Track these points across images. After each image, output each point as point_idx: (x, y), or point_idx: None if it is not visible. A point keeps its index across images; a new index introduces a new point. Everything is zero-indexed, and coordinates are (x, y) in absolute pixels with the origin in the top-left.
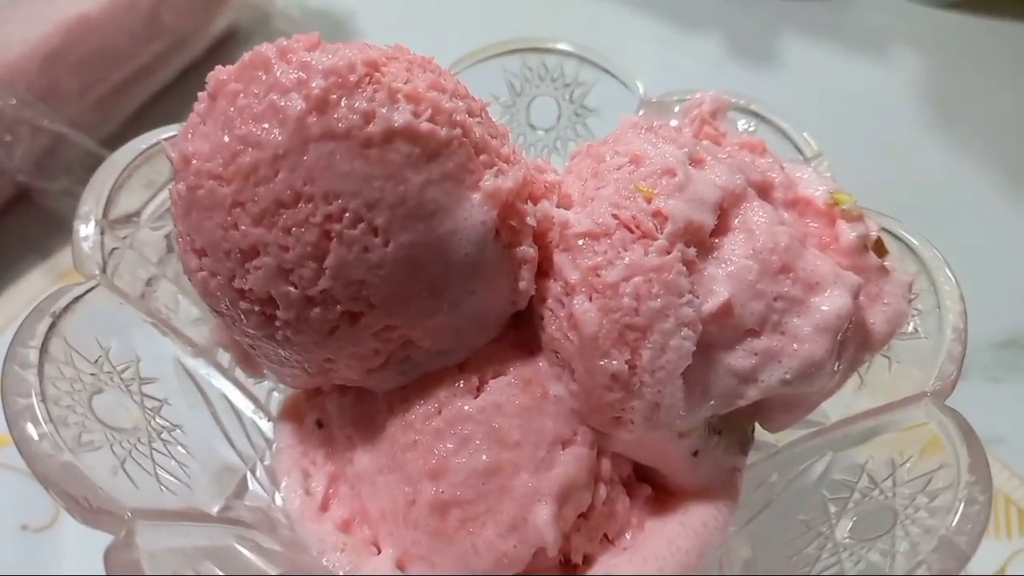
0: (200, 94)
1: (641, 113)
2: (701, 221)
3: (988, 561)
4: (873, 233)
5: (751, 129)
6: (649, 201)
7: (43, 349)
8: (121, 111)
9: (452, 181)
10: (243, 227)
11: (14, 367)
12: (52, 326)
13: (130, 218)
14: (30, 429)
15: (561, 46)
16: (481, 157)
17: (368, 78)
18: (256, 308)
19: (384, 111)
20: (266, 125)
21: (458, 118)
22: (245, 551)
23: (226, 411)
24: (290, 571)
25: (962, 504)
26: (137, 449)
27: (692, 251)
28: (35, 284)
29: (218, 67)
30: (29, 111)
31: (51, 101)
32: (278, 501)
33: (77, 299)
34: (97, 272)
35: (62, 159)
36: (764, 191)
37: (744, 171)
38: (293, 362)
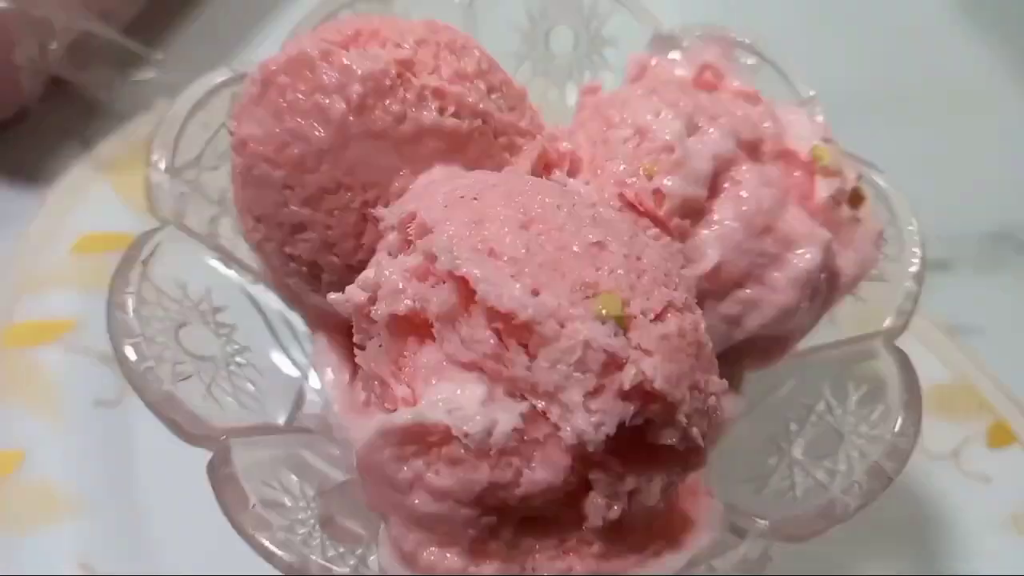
0: (251, 76)
1: (650, 48)
2: (695, 195)
3: (942, 442)
4: (850, 184)
5: (753, 63)
6: (650, 178)
7: (137, 294)
8: None
9: (474, 167)
10: (293, 207)
11: (118, 314)
12: (142, 274)
13: (192, 164)
14: (140, 366)
15: None
16: (500, 140)
17: (400, 78)
18: (304, 269)
19: (414, 112)
20: (312, 122)
21: (480, 107)
22: (311, 456)
23: (281, 326)
24: (347, 471)
25: (891, 436)
26: (219, 374)
27: (687, 222)
28: (80, 175)
29: (267, 59)
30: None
31: None
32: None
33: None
34: (172, 218)
35: (92, 50)
36: (754, 147)
37: (737, 131)
38: None
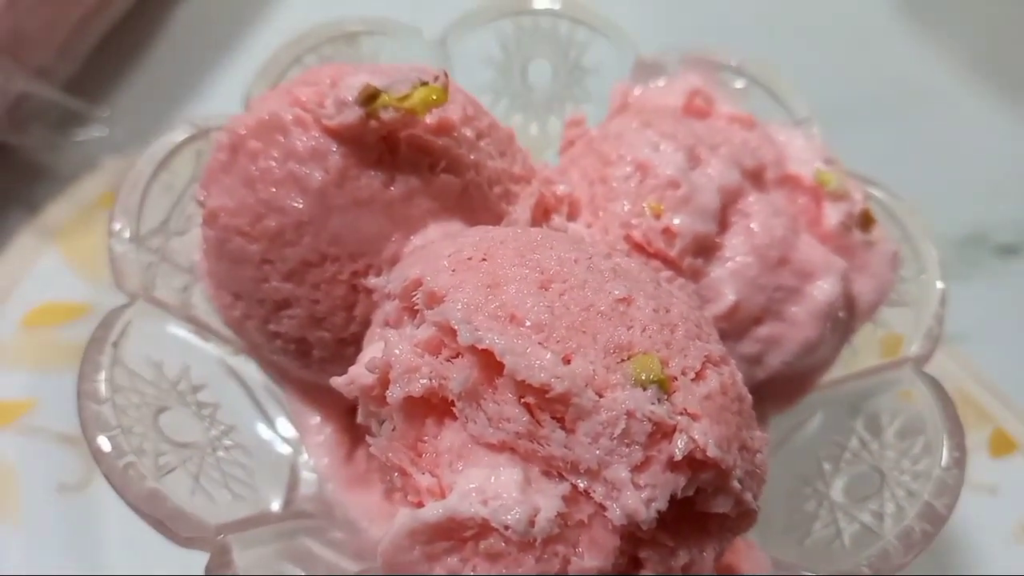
0: (219, 140)
1: (633, 75)
2: (706, 231)
3: None
4: (859, 207)
5: (742, 86)
6: (658, 217)
7: (110, 380)
8: (82, 49)
9: (470, 222)
10: (274, 282)
11: (90, 404)
12: (114, 356)
13: (158, 230)
14: (120, 461)
15: (550, 6)
16: (495, 189)
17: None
18: (292, 347)
19: (402, 173)
20: (289, 192)
21: (472, 158)
22: (315, 544)
23: (267, 399)
24: (355, 557)
25: (939, 471)
26: (206, 462)
27: (699, 261)
28: (27, 243)
29: (235, 117)
30: None
31: (16, 51)
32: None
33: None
34: (140, 291)
35: (31, 110)
36: (757, 175)
37: (738, 159)
38: None
